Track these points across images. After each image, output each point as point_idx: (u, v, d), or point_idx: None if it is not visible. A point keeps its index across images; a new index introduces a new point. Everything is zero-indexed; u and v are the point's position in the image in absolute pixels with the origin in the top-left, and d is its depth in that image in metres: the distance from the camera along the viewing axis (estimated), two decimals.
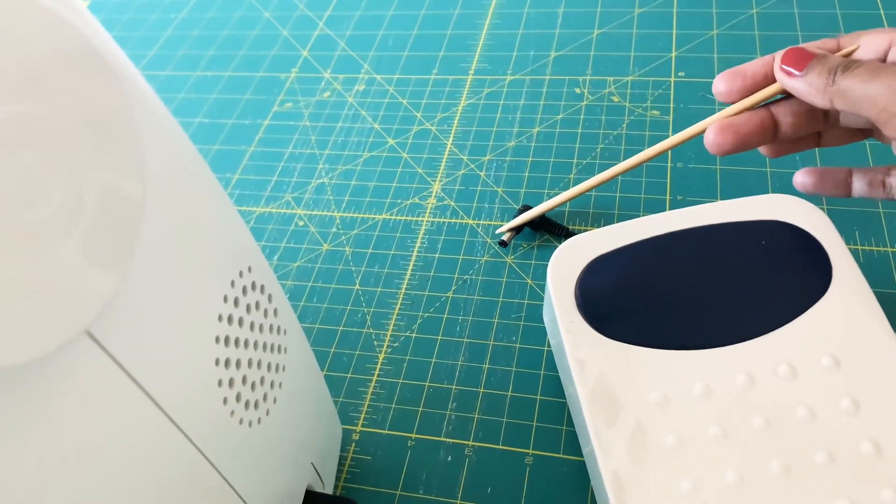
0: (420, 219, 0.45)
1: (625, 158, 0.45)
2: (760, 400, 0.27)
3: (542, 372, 0.36)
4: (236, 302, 0.23)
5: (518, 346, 0.38)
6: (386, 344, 0.39)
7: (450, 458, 0.34)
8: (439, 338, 0.39)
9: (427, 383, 0.37)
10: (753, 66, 0.29)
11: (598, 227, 0.42)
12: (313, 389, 0.30)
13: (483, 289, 0.40)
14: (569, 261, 0.31)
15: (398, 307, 0.41)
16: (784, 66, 0.27)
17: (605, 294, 0.30)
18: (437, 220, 0.45)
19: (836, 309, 0.29)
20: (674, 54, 0.51)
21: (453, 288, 0.41)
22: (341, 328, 0.40)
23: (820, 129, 0.30)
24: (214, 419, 0.22)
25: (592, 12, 0.56)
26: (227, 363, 0.22)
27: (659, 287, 0.31)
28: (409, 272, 0.42)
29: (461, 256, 0.42)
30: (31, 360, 0.13)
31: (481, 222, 0.44)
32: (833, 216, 0.39)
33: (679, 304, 0.30)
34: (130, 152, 0.15)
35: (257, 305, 0.24)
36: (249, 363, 0.24)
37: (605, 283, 0.31)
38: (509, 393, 0.36)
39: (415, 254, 0.43)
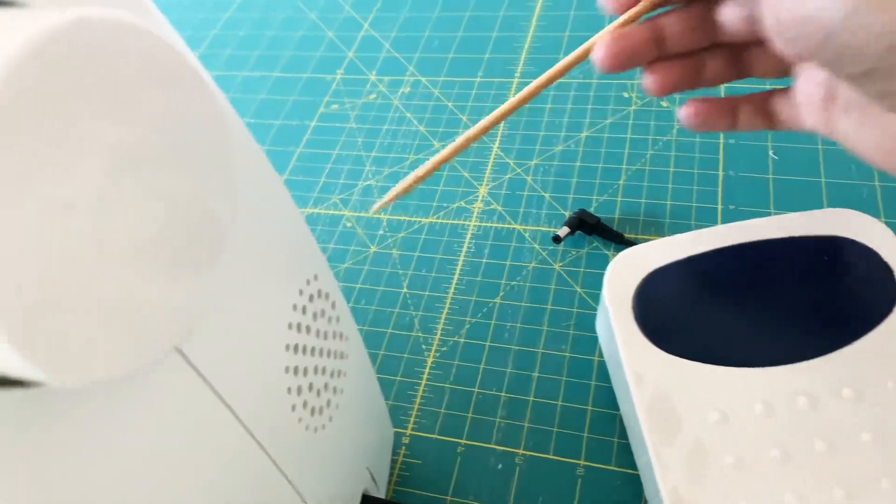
0: (466, 223, 0.45)
1: (675, 166, 0.45)
2: (823, 423, 0.27)
3: (592, 382, 0.36)
4: (304, 310, 0.23)
5: (568, 354, 0.37)
6: (434, 348, 0.39)
7: (500, 466, 0.34)
8: (487, 343, 0.39)
9: (476, 389, 0.37)
10: None
11: (649, 235, 0.41)
12: (370, 394, 0.30)
13: (531, 295, 0.40)
14: (626, 273, 0.31)
15: (446, 311, 0.41)
16: None
17: (663, 307, 0.30)
18: (483, 224, 0.44)
19: None
20: None
21: (500, 294, 0.41)
22: (389, 331, 0.41)
23: (708, 43, 0.28)
24: (283, 426, 0.22)
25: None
26: (295, 371, 0.22)
27: (718, 302, 0.30)
28: (456, 276, 0.42)
29: (508, 262, 0.42)
30: (129, 374, 0.13)
31: (529, 227, 0.44)
32: (870, 207, 0.38)
33: (739, 321, 0.30)
34: (223, 172, 0.15)
35: (322, 313, 0.24)
36: (315, 370, 0.24)
37: (664, 297, 0.30)
38: (559, 402, 0.36)
39: (461, 258, 0.43)
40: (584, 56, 0.28)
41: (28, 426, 0.14)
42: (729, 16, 0.27)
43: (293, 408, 0.22)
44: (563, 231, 0.41)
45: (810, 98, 0.27)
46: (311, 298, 0.23)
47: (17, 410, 0.13)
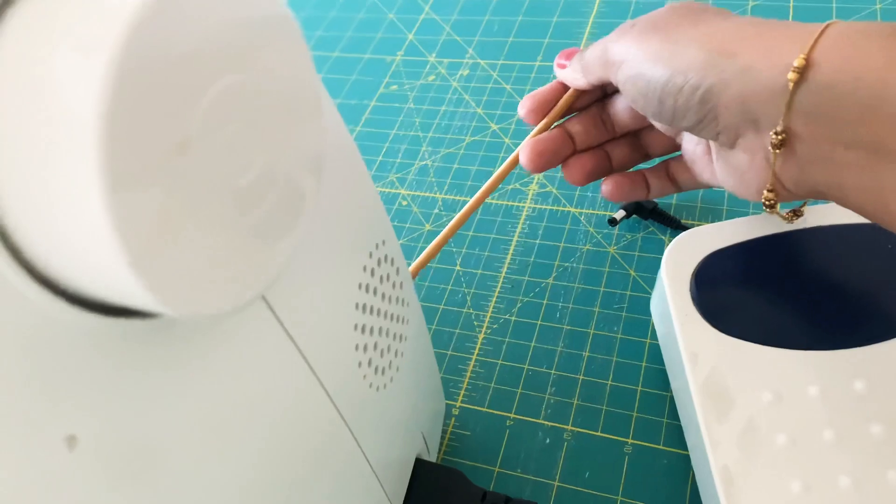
0: (521, 204, 0.45)
1: None
2: (881, 407, 0.27)
3: (643, 363, 0.36)
4: (372, 272, 0.24)
5: (619, 336, 0.38)
6: (486, 325, 0.40)
7: (548, 441, 0.35)
8: (539, 322, 0.39)
9: (526, 366, 0.38)
10: (546, 88, 0.35)
11: (706, 221, 0.41)
12: (426, 361, 0.31)
13: (584, 277, 0.41)
14: (685, 254, 0.31)
15: (498, 290, 0.41)
16: (559, 62, 0.34)
17: (721, 289, 0.30)
18: (538, 206, 0.45)
19: None
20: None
21: (553, 274, 0.41)
22: (442, 306, 0.41)
23: (609, 136, 0.36)
24: (350, 381, 0.23)
25: (703, 2, 0.55)
26: (363, 329, 0.23)
27: (776, 285, 0.30)
28: (509, 256, 0.43)
29: (562, 244, 0.43)
30: (229, 312, 0.14)
31: (584, 211, 0.44)
32: None
33: (796, 304, 0.30)
34: (316, 129, 0.16)
35: (388, 277, 0.25)
36: (380, 331, 0.25)
37: (722, 279, 0.30)
38: (609, 382, 0.36)
39: (515, 238, 0.44)
40: (515, 163, 0.36)
41: (130, 356, 0.15)
42: (615, 111, 0.35)
43: (359, 364, 0.23)
44: (620, 214, 0.41)
45: (694, 156, 0.33)
46: (378, 262, 0.24)
47: (123, 340, 0.14)
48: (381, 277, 0.25)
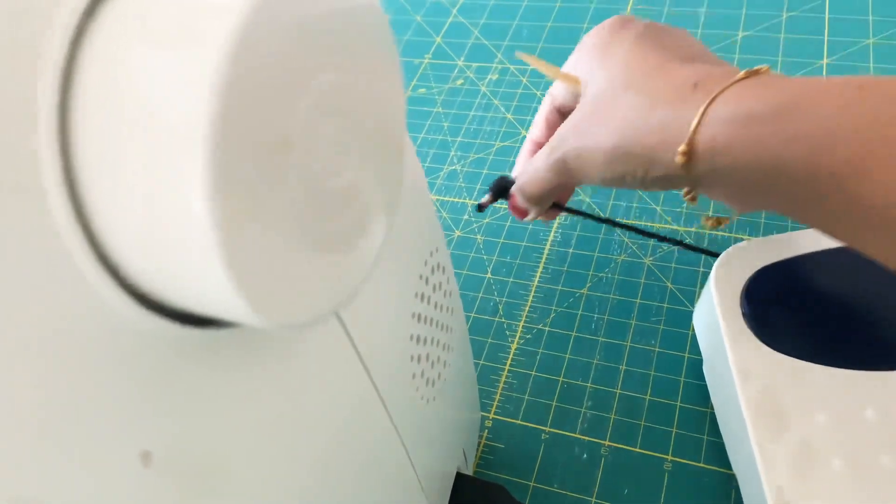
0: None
1: None
2: None
3: (682, 378, 0.36)
4: (427, 281, 0.23)
5: (657, 349, 0.37)
6: (518, 335, 0.39)
7: (585, 456, 0.34)
8: (573, 334, 0.39)
9: (561, 378, 0.37)
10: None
11: (743, 234, 0.40)
12: (468, 372, 0.30)
13: (620, 288, 0.40)
14: (735, 268, 0.30)
15: (531, 299, 0.41)
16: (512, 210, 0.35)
17: (773, 305, 0.29)
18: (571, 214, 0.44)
19: None
20: (825, 62, 0.49)
21: (588, 284, 0.41)
22: (473, 314, 0.41)
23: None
24: (404, 392, 0.22)
25: (737, 14, 0.54)
26: (418, 339, 0.22)
27: (831, 302, 0.29)
28: (541, 265, 0.42)
29: (596, 253, 0.42)
30: (313, 322, 0.14)
31: (618, 220, 0.43)
32: None
33: (852, 322, 0.29)
34: (400, 134, 0.15)
35: (440, 286, 0.25)
36: (432, 341, 0.24)
37: (774, 294, 0.30)
38: (647, 396, 0.35)
39: (548, 247, 0.43)
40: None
41: (206, 367, 0.14)
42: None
43: (413, 376, 0.22)
44: (486, 198, 0.36)
45: None
46: (432, 270, 0.24)
47: (201, 350, 0.14)
48: (434, 286, 0.24)
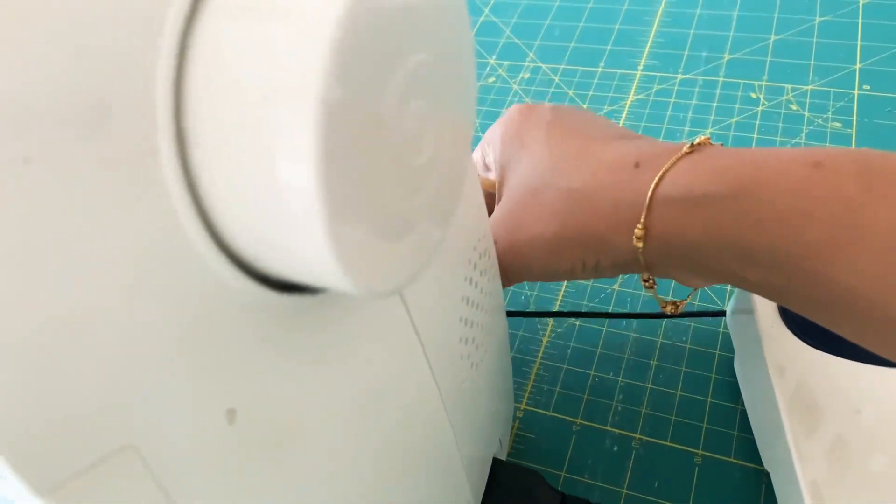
0: None
1: None
2: None
3: (713, 375, 0.36)
4: (475, 266, 0.24)
5: (689, 346, 0.37)
6: (549, 328, 0.40)
7: (616, 448, 0.35)
8: (605, 329, 0.39)
9: (592, 372, 0.37)
10: None
11: None
12: (505, 359, 0.30)
13: None
14: None
15: (562, 293, 0.41)
16: None
17: None
18: None
19: None
20: (858, 66, 0.49)
21: (619, 280, 0.41)
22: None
23: None
24: (454, 374, 0.23)
25: (769, 17, 0.54)
26: (466, 322, 0.23)
27: None
28: None
29: None
30: (395, 290, 0.14)
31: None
32: None
33: None
34: (470, 119, 0.16)
35: (486, 271, 0.25)
36: (477, 325, 0.24)
37: None
38: (678, 392, 0.36)
39: None
40: None
41: (290, 332, 0.15)
42: None
43: (461, 357, 0.23)
44: None
45: None
46: (480, 256, 0.24)
47: (288, 315, 0.14)
48: (482, 270, 0.24)
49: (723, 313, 0.36)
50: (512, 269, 0.28)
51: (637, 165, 0.25)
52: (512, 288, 0.42)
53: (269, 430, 0.15)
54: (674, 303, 0.30)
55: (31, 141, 0.10)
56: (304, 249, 0.12)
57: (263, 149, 0.11)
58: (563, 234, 0.26)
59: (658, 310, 0.38)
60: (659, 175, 0.24)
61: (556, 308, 0.41)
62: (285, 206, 0.11)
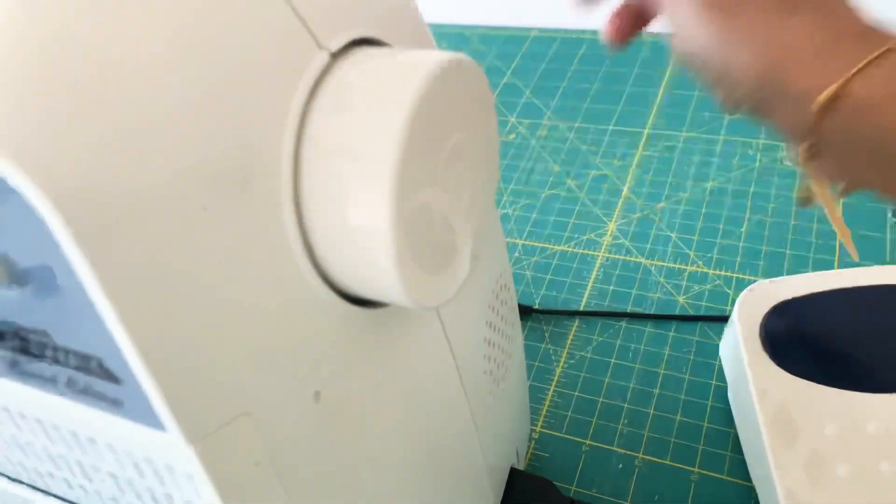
0: (596, 253, 0.50)
1: (796, 219, 0.49)
2: None
3: (709, 402, 0.40)
4: (497, 296, 0.29)
5: (687, 377, 0.42)
6: (563, 359, 0.44)
7: (621, 466, 0.39)
8: (613, 360, 0.43)
9: (601, 398, 0.42)
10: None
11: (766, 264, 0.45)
12: (522, 380, 0.35)
13: (655, 322, 0.45)
14: (757, 301, 0.35)
15: (574, 329, 0.46)
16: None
17: (788, 334, 0.34)
18: (612, 256, 0.49)
19: None
20: None
21: (626, 319, 0.45)
22: (524, 341, 0.46)
23: None
24: (478, 385, 0.27)
25: None
26: (489, 342, 0.28)
27: (837, 334, 0.34)
28: (584, 299, 0.47)
29: (634, 291, 0.47)
30: (435, 307, 0.19)
31: (655, 263, 0.48)
32: None
33: (857, 351, 0.33)
34: (494, 174, 0.21)
35: (506, 302, 0.30)
36: (498, 346, 0.29)
37: (789, 325, 0.34)
38: (678, 417, 0.40)
39: (590, 283, 0.48)
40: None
41: (364, 334, 0.20)
42: None
43: (485, 372, 0.28)
44: None
45: None
46: (501, 288, 0.29)
47: (363, 322, 0.19)
48: (502, 301, 0.29)
49: (725, 318, 0.40)
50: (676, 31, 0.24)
51: (862, 35, 0.22)
52: (529, 322, 0.46)
53: (344, 410, 0.20)
54: (812, 192, 0.26)
55: (208, 195, 0.15)
56: (378, 275, 0.17)
57: (353, 204, 0.16)
58: (759, 66, 0.22)
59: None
60: (881, 51, 0.21)
61: (571, 334, 0.45)
62: (366, 244, 0.16)
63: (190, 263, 0.15)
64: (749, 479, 0.36)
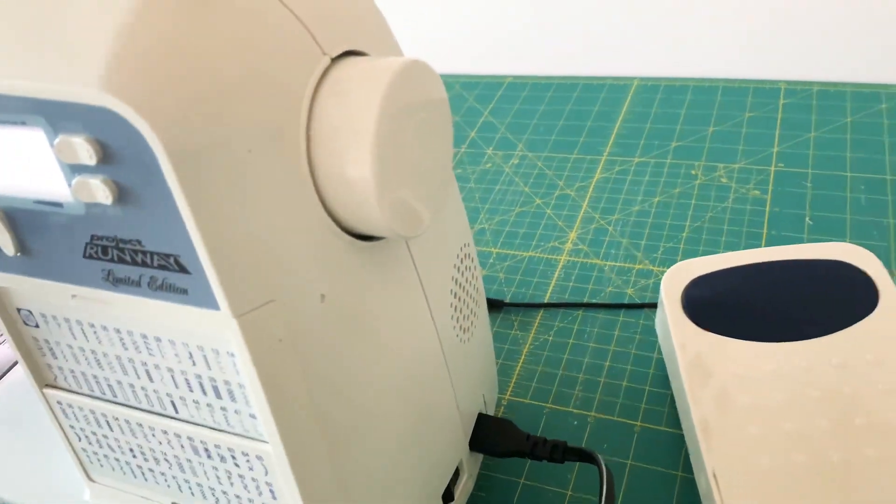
0: (558, 257, 0.58)
1: (729, 225, 0.57)
2: (817, 379, 0.38)
3: (651, 371, 0.47)
4: (461, 260, 0.36)
5: (633, 352, 0.49)
6: (529, 342, 0.52)
7: (576, 423, 0.46)
8: (571, 341, 0.51)
9: (560, 371, 0.49)
10: None
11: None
12: (487, 342, 0.42)
13: (607, 310, 0.52)
14: (679, 276, 0.43)
15: (539, 318, 0.53)
16: None
17: (704, 300, 0.42)
18: (572, 259, 0.57)
19: (881, 322, 0.39)
20: (776, 149, 0.63)
21: (583, 308, 0.53)
22: (496, 329, 0.53)
23: None
24: (445, 327, 0.35)
25: (709, 114, 0.69)
26: (454, 294, 0.35)
27: (746, 299, 0.42)
28: (548, 294, 0.55)
29: (590, 286, 0.55)
30: (420, 233, 0.27)
31: (608, 263, 0.56)
32: (882, 257, 0.49)
33: (757, 311, 0.41)
34: (450, 143, 0.29)
35: (469, 268, 0.38)
36: (463, 301, 0.37)
37: (706, 294, 0.42)
38: (624, 383, 0.47)
39: (553, 282, 0.56)
40: None
41: (362, 261, 0.27)
42: None
43: (452, 317, 0.35)
44: None
45: None
46: (463, 259, 0.37)
47: (363, 251, 0.27)
48: (465, 269, 0.37)
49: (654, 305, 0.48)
50: None
51: None
52: (501, 315, 0.54)
53: (343, 314, 0.27)
54: None
55: (253, 141, 0.23)
56: (370, 215, 0.25)
57: (346, 159, 0.24)
58: None
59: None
60: None
61: (536, 321, 0.52)
62: (357, 190, 0.25)
63: (240, 186, 0.23)
64: (681, 428, 0.43)
